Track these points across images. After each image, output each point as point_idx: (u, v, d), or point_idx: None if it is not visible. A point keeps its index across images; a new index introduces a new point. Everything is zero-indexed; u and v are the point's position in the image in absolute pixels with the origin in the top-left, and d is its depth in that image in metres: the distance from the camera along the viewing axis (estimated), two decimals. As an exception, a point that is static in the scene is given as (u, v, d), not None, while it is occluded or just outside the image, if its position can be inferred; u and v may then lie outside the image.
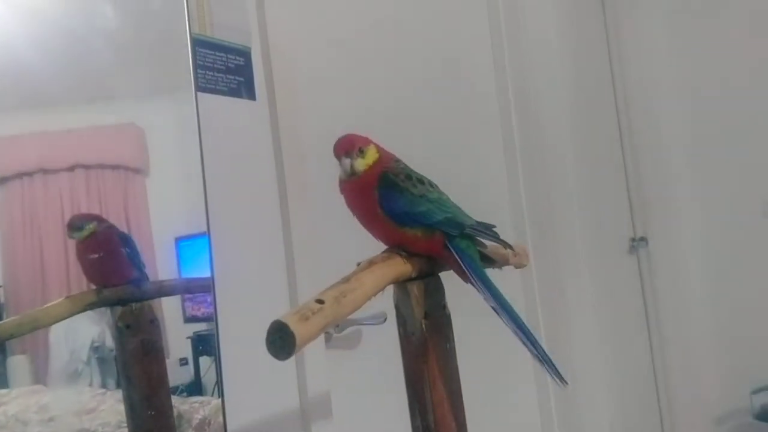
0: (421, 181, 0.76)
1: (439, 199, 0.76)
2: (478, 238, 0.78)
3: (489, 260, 0.80)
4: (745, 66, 2.40)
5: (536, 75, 1.87)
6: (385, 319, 1.17)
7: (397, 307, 0.75)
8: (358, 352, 1.24)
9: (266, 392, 0.99)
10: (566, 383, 0.72)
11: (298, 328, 0.53)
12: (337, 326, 1.18)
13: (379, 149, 0.77)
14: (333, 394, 1.10)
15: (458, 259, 0.74)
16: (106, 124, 0.90)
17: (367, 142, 0.76)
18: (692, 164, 2.54)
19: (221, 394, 0.89)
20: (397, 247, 0.74)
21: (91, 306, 0.84)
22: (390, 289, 0.74)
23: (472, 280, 0.74)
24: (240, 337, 0.92)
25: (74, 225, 0.81)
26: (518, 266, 0.93)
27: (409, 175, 0.75)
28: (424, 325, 0.73)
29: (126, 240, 0.86)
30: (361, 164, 0.74)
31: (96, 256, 0.83)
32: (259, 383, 0.96)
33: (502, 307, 0.72)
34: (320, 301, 0.58)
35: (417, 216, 0.73)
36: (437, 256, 0.76)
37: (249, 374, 0.93)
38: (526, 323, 0.73)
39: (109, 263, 0.84)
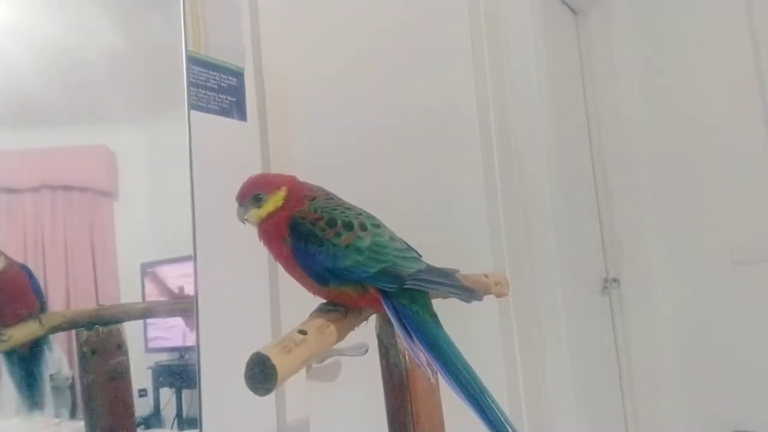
0: (348, 225, 0.62)
1: (372, 246, 0.61)
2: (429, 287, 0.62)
3: (468, 291, 0.64)
4: (717, 114, 2.49)
5: (518, 119, 1.90)
6: (367, 350, 1.14)
7: (379, 338, 0.73)
8: (338, 384, 1.20)
9: (243, 425, 0.95)
10: None
11: (280, 361, 0.50)
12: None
13: (290, 190, 0.65)
14: (312, 428, 1.06)
15: (397, 319, 0.60)
16: (75, 144, 0.86)
17: (274, 186, 0.65)
18: (663, 209, 2.59)
19: (199, 425, 0.85)
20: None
21: (55, 329, 0.78)
22: (372, 319, 0.71)
23: (418, 344, 0.59)
24: (217, 366, 0.88)
25: None
26: (499, 295, 0.90)
27: (332, 220, 0.62)
28: (408, 357, 0.70)
29: (29, 272, 0.78)
30: (254, 216, 0.64)
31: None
32: (237, 415, 0.92)
33: (457, 379, 0.58)
34: (303, 332, 0.55)
35: (341, 273, 0.60)
36: (377, 311, 0.65)
37: (224, 406, 0.89)
38: (489, 395, 0.59)
39: (16, 296, 0.77)
